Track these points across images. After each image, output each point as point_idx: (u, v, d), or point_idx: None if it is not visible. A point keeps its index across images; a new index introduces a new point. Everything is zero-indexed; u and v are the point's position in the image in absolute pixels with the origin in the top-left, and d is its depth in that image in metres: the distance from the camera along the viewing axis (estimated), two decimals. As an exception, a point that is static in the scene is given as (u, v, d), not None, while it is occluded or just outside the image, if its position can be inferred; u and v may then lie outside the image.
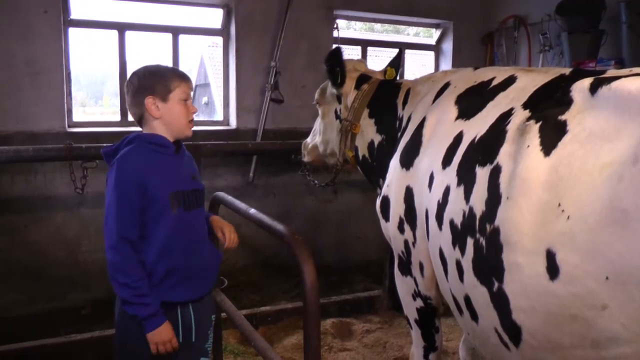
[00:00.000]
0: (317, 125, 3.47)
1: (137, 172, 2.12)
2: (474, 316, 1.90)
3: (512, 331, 1.70)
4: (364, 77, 3.14)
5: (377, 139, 3.01)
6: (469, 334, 2.13)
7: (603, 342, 1.45)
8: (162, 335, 2.13)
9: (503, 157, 1.77)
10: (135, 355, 2.21)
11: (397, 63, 3.30)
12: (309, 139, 3.60)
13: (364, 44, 6.59)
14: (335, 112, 3.22)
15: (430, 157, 2.27)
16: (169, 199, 2.15)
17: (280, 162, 5.40)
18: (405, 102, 2.87)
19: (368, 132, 3.04)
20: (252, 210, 2.48)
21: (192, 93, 2.32)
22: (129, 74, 2.32)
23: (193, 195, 2.26)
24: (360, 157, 3.12)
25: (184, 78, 2.26)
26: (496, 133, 1.88)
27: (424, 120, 2.47)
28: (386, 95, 3.01)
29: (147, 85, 2.21)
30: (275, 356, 2.37)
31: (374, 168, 3.05)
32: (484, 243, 1.77)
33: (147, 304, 2.10)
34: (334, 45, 5.88)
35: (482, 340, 1.94)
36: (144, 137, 2.23)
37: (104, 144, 3.72)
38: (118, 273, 2.09)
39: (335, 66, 3.08)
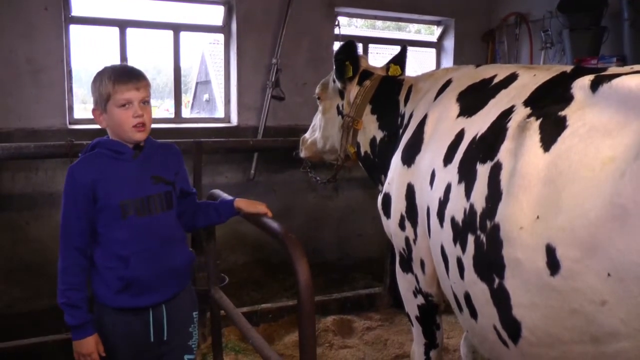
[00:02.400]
0: (317, 120, 3.46)
1: (86, 181, 2.10)
2: (473, 314, 1.90)
3: (511, 328, 1.71)
4: (366, 73, 3.13)
5: (379, 135, 3.00)
6: (468, 332, 2.13)
7: (602, 337, 1.46)
8: (80, 347, 2.12)
9: (503, 154, 1.77)
10: (110, 345, 2.19)
11: (401, 60, 3.27)
12: (307, 134, 3.59)
13: (365, 41, 6.58)
14: (337, 107, 3.21)
15: (431, 154, 2.27)
16: (119, 208, 2.11)
17: (281, 159, 5.40)
18: (407, 99, 2.86)
19: (370, 129, 3.04)
20: None
21: (143, 92, 2.13)
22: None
23: (153, 200, 2.19)
24: (362, 154, 3.11)
25: (122, 81, 2.10)
26: (497, 130, 1.88)
27: (425, 117, 2.47)
28: (388, 91, 3.00)
29: (92, 95, 2.16)
30: (273, 354, 2.36)
31: (376, 165, 3.05)
32: (484, 240, 1.77)
33: (74, 315, 2.09)
34: (336, 42, 5.91)
35: (481, 338, 1.94)
36: (103, 143, 2.19)
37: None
38: (58, 278, 2.11)
39: (347, 59, 3.06)
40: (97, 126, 5.27)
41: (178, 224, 2.33)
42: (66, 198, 2.12)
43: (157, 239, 2.18)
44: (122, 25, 5.20)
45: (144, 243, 2.15)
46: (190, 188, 2.46)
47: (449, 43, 6.75)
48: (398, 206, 2.51)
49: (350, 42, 3.09)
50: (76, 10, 4.99)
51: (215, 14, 5.68)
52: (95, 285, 2.17)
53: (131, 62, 5.16)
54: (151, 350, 2.23)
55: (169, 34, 5.47)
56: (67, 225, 2.11)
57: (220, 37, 5.76)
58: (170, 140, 2.74)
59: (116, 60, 5.23)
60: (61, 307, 2.10)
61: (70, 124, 4.95)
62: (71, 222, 2.11)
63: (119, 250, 2.12)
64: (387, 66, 3.22)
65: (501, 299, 1.72)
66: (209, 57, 17.72)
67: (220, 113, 5.91)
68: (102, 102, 2.13)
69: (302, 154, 3.66)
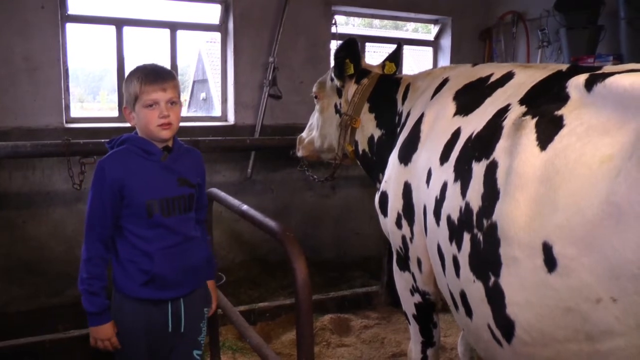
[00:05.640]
0: (314, 119, 3.46)
1: (115, 177, 2.15)
2: (469, 312, 1.91)
3: (505, 327, 1.71)
4: (364, 71, 3.14)
5: (377, 133, 3.01)
6: (464, 330, 2.13)
7: (597, 335, 1.46)
8: (98, 333, 2.20)
9: (499, 152, 1.78)
10: (129, 333, 2.25)
11: (396, 58, 3.28)
12: (304, 134, 3.59)
13: (363, 39, 6.57)
14: (335, 106, 3.21)
15: (428, 153, 2.27)
16: (145, 206, 2.17)
17: (278, 158, 5.41)
18: (404, 98, 2.87)
19: (368, 127, 3.05)
20: (245, 207, 2.47)
21: (170, 92, 2.17)
22: (126, 70, 2.30)
23: (177, 202, 2.25)
24: (360, 152, 3.12)
25: (148, 82, 2.14)
26: (492, 129, 1.88)
27: (422, 115, 2.47)
28: (386, 90, 3.01)
29: (124, 94, 2.25)
30: (270, 353, 2.37)
31: (374, 163, 3.05)
32: (480, 238, 1.78)
33: (93, 302, 2.18)
34: (333, 41, 5.91)
35: (476, 337, 1.94)
36: (133, 140, 2.23)
37: (102, 140, 3.75)
38: (81, 266, 2.19)
39: (348, 57, 3.06)
40: (94, 125, 5.25)
41: (196, 224, 2.40)
42: (93, 191, 2.17)
43: (179, 238, 2.25)
44: (119, 23, 5.19)
45: (167, 241, 2.22)
46: (202, 200, 2.49)
47: (446, 42, 6.76)
48: (395, 204, 2.51)
49: (351, 40, 3.09)
50: (73, 8, 4.98)
51: (212, 13, 5.67)
52: (117, 276, 2.24)
53: (128, 61, 5.17)
54: (166, 341, 2.31)
55: (166, 32, 5.46)
56: (92, 217, 2.18)
57: (217, 36, 5.75)
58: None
59: (112, 60, 5.22)
60: (82, 292, 2.19)
61: (67, 122, 4.94)
62: (97, 215, 2.17)
63: (144, 247, 2.19)
64: (383, 64, 3.23)
65: (496, 297, 1.72)
66: (205, 56, 17.65)
67: (217, 112, 5.90)
68: (131, 102, 2.20)
69: (300, 153, 3.66)
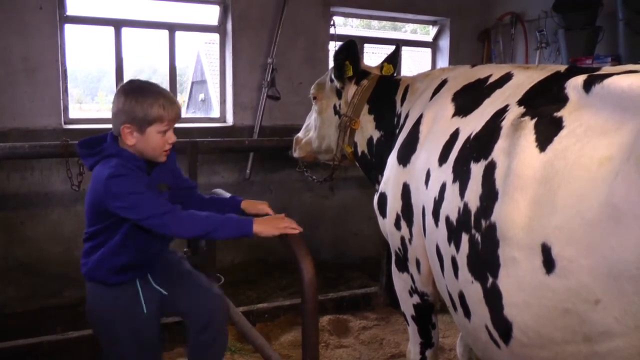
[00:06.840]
0: (312, 120, 3.45)
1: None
2: (467, 313, 1.91)
3: (503, 328, 1.71)
4: (363, 73, 3.14)
5: (376, 135, 3.01)
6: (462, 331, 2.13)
7: (595, 336, 1.46)
8: (264, 226, 2.20)
9: (497, 153, 1.78)
10: (111, 321, 2.31)
11: (394, 59, 3.29)
12: (301, 134, 3.58)
13: (361, 40, 6.57)
14: (335, 107, 3.21)
15: (426, 154, 2.27)
16: None
17: (277, 159, 5.41)
18: (403, 99, 2.87)
19: (367, 128, 3.05)
20: None
21: (176, 118, 2.25)
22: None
23: None
24: (359, 153, 3.12)
25: (167, 107, 2.16)
26: (491, 129, 1.88)
27: (421, 117, 2.47)
28: (385, 91, 3.01)
29: (128, 111, 2.15)
30: (273, 353, 2.37)
31: (373, 164, 3.06)
32: (479, 239, 1.78)
33: (227, 224, 2.13)
34: (331, 42, 5.91)
35: (474, 338, 1.94)
36: (127, 158, 2.19)
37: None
38: (175, 231, 2.16)
39: (348, 59, 3.06)
40: (92, 126, 5.23)
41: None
42: (130, 187, 2.10)
43: (156, 237, 2.31)
44: (118, 24, 5.18)
45: (145, 239, 2.28)
46: (188, 182, 2.56)
47: (445, 43, 6.77)
48: (394, 205, 2.51)
49: (351, 42, 3.09)
50: (71, 9, 4.97)
51: (210, 14, 5.68)
52: (91, 265, 2.29)
53: (127, 62, 5.17)
54: (149, 322, 2.35)
55: (165, 33, 5.46)
56: (139, 197, 2.10)
57: (215, 37, 5.75)
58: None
59: (111, 60, 5.21)
60: (207, 228, 2.13)
61: (65, 123, 4.93)
62: (143, 194, 2.10)
63: (127, 243, 2.25)
64: (381, 65, 3.23)
65: (493, 298, 1.72)
66: (204, 57, 17.67)
67: (215, 113, 5.90)
68: (142, 123, 2.15)
69: (296, 154, 3.64)
